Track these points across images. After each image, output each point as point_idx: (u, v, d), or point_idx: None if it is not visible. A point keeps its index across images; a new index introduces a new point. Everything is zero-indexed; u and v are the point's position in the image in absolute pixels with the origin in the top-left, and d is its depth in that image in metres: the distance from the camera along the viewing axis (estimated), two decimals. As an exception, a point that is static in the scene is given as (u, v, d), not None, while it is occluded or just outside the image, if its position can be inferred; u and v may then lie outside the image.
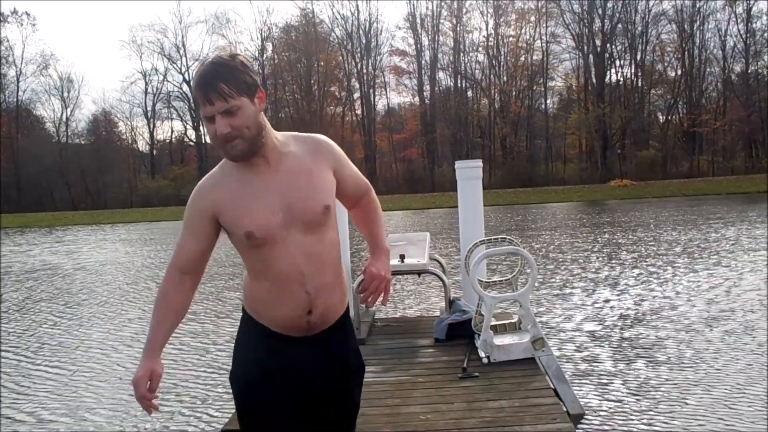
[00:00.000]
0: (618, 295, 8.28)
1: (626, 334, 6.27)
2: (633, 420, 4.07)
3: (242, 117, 1.65)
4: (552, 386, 3.82)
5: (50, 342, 7.48)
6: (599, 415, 4.16)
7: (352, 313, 5.40)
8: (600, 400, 4.45)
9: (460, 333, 4.76)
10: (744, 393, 4.46)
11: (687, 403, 4.33)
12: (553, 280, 9.62)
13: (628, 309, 7.41)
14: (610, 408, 4.29)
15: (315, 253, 1.76)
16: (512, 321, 4.56)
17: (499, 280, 5.10)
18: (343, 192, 1.87)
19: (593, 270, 10.50)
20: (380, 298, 1.86)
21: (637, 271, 10.18)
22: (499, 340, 4.25)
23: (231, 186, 1.76)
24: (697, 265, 10.36)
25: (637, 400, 4.43)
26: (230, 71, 1.65)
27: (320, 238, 1.77)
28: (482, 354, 4.23)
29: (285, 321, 1.81)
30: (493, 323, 4.34)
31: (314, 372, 1.84)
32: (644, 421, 4.06)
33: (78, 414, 4.85)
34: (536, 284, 8.16)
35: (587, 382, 4.84)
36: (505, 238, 4.91)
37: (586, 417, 4.04)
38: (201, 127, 57.10)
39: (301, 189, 1.74)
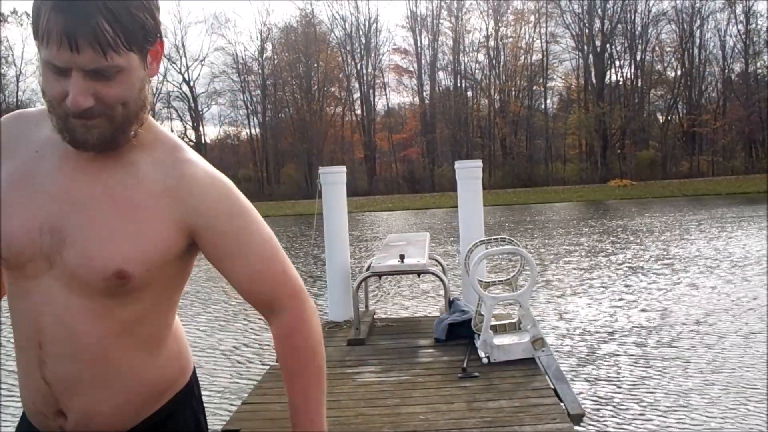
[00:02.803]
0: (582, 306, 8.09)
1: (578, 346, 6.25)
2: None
3: (122, 86, 0.96)
4: (552, 386, 3.82)
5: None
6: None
7: (350, 315, 5.39)
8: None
9: (460, 333, 4.76)
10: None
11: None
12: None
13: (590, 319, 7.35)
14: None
15: (77, 330, 1.02)
16: (512, 321, 4.56)
17: (499, 280, 5.09)
18: (229, 280, 1.10)
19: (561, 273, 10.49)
20: None
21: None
22: (499, 340, 4.25)
23: (27, 150, 1.06)
24: (671, 272, 10.28)
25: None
26: (124, 3, 0.92)
27: (101, 315, 1.03)
28: (482, 354, 4.23)
29: (34, 412, 1.10)
30: (493, 323, 4.35)
31: None
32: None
33: None
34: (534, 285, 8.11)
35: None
36: (504, 238, 4.91)
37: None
38: (201, 127, 57.02)
39: (93, 226, 1.01)
